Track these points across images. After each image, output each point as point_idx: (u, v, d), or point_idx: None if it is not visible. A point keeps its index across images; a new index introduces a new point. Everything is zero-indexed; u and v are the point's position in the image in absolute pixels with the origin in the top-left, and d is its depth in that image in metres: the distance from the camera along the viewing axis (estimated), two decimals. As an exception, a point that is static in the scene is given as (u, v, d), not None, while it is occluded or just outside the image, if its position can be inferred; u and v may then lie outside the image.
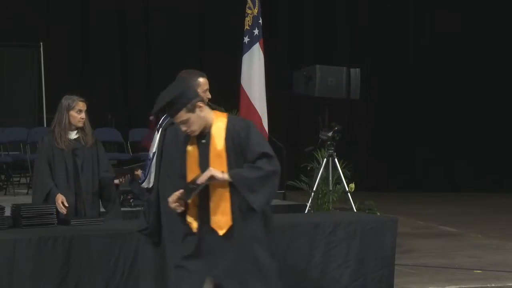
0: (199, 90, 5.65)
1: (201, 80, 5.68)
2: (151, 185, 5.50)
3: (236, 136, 4.88)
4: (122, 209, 8.07)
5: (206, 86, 5.69)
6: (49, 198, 6.56)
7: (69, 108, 6.69)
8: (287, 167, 12.22)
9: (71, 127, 6.72)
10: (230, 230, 4.84)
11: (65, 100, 6.73)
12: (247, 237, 4.86)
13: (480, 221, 13.38)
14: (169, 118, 5.50)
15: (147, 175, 5.51)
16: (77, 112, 6.69)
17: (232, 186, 4.83)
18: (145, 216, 5.55)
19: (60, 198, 6.50)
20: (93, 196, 6.79)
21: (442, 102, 17.72)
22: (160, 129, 5.55)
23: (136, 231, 5.62)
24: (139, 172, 6.35)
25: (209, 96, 5.74)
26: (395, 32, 17.81)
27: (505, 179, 17.41)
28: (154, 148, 5.53)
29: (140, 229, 5.56)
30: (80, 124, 6.73)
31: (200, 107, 4.89)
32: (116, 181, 6.78)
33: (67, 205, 6.51)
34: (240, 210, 4.84)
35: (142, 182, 5.57)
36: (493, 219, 13.73)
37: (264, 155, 4.86)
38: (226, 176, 4.81)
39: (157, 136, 5.56)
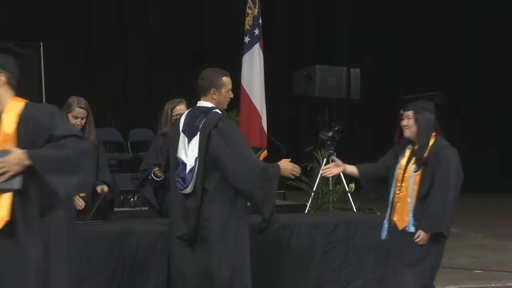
0: (223, 90, 5.63)
1: (225, 79, 5.65)
2: (191, 190, 5.43)
3: (33, 123, 4.21)
4: (122, 209, 8.07)
5: (230, 86, 5.66)
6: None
7: (68, 109, 6.68)
8: (287, 167, 12.22)
9: (70, 128, 6.70)
10: (9, 227, 4.15)
11: (69, 100, 6.72)
12: (31, 234, 4.20)
13: (480, 221, 13.38)
14: (205, 120, 5.44)
15: (190, 181, 5.42)
16: (73, 117, 6.65)
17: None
18: (184, 222, 5.50)
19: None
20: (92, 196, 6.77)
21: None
22: (198, 132, 5.46)
23: (175, 236, 5.55)
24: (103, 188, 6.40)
25: (232, 95, 5.73)
26: (395, 32, 17.81)
27: (503, 179, 17.41)
28: (195, 152, 5.43)
29: (180, 235, 5.52)
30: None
31: (1, 80, 4.30)
32: (99, 189, 6.68)
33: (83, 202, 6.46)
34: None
35: (183, 188, 5.48)
36: (493, 219, 13.74)
37: (73, 136, 4.22)
38: (22, 158, 4.11)
39: (195, 141, 5.45)
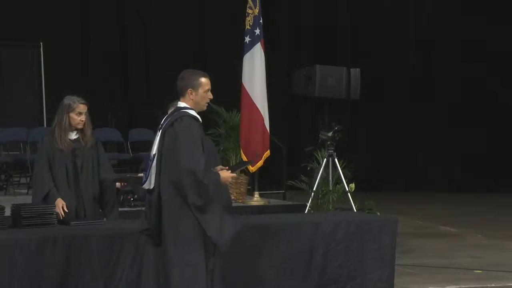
0: (200, 90, 5.60)
1: (203, 80, 5.58)
2: (152, 186, 5.48)
3: None
4: (122, 209, 8.07)
5: (208, 86, 5.60)
6: (48, 199, 6.56)
7: (69, 109, 6.68)
8: (287, 167, 12.23)
9: (71, 128, 6.72)
10: None
11: (66, 101, 6.72)
12: None
13: (480, 221, 13.39)
14: (169, 120, 5.49)
15: (148, 176, 5.50)
16: (77, 114, 6.68)
17: None
18: (146, 217, 5.55)
19: (61, 203, 6.50)
20: (93, 197, 6.77)
21: (442, 102, 17.71)
22: (160, 131, 5.53)
23: (137, 231, 5.62)
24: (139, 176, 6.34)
25: (211, 96, 5.66)
26: (395, 32, 17.81)
27: (503, 178, 17.41)
28: (154, 149, 5.52)
29: (141, 230, 5.57)
30: (80, 126, 6.72)
31: None
32: (118, 185, 6.77)
33: (67, 210, 6.51)
34: None
35: (143, 184, 5.56)
36: (493, 219, 13.74)
37: None
38: None
39: (157, 138, 5.54)
